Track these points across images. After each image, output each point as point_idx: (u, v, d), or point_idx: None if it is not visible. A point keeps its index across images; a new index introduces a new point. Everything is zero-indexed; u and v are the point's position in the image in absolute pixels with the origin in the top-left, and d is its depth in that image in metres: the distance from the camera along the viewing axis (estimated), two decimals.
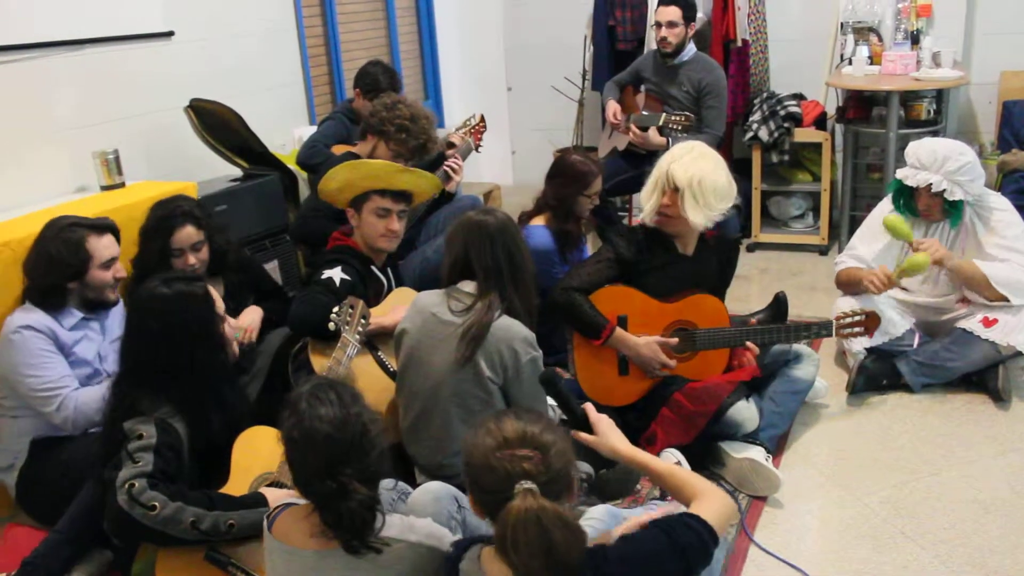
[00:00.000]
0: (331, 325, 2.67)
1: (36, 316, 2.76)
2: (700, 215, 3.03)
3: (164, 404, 2.30)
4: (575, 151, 3.77)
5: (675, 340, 3.11)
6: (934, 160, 3.38)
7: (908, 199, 3.57)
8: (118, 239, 2.91)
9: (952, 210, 3.45)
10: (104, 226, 2.87)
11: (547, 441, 1.69)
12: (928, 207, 3.49)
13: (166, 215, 3.04)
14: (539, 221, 3.65)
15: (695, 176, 3.01)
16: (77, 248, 2.77)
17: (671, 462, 2.73)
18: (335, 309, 2.69)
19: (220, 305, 2.48)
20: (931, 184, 3.38)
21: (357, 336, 2.69)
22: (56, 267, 2.76)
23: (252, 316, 3.15)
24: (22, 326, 2.73)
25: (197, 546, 2.20)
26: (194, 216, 3.07)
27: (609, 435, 2.07)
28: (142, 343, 2.35)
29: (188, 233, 3.05)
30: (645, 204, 3.15)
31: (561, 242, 3.58)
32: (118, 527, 2.17)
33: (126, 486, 2.12)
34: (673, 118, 4.47)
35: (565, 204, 3.56)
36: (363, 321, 2.74)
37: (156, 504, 2.10)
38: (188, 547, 2.19)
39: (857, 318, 3.20)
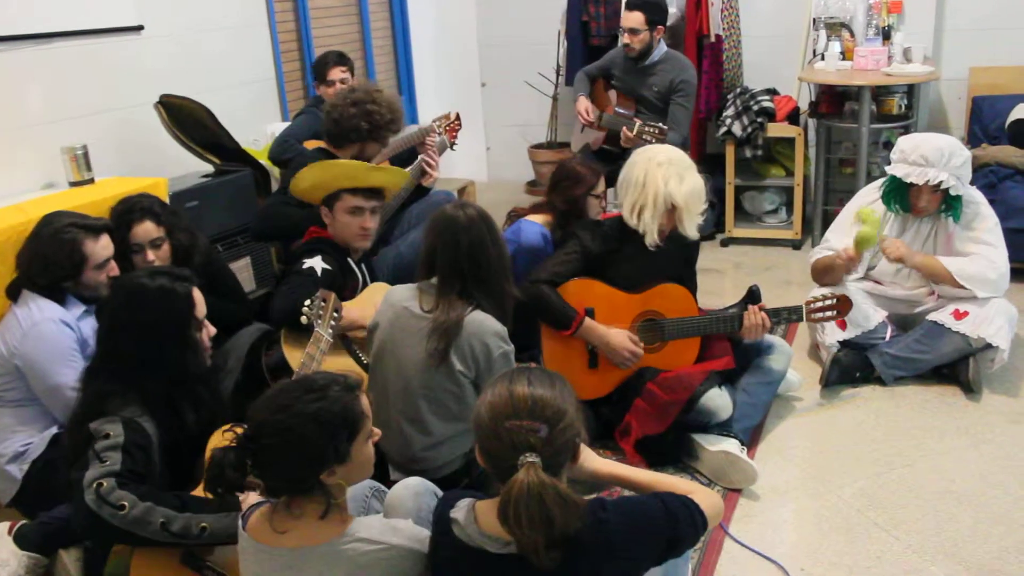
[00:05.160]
0: (303, 319, 2.65)
1: (60, 310, 2.75)
2: (695, 225, 3.15)
3: (132, 403, 2.25)
4: (573, 158, 3.76)
5: (640, 345, 3.12)
6: (940, 156, 3.36)
7: (901, 197, 3.54)
8: (113, 237, 2.89)
9: (955, 204, 3.44)
10: (100, 227, 2.84)
11: (556, 412, 1.70)
12: (929, 204, 3.47)
13: (125, 210, 3.02)
14: (537, 219, 3.60)
15: (691, 192, 3.06)
16: (72, 251, 2.75)
17: None
18: (307, 303, 2.66)
19: (201, 310, 2.41)
20: (940, 181, 3.36)
21: (330, 331, 2.66)
22: (51, 268, 2.75)
23: None
24: (56, 319, 2.72)
25: (173, 548, 2.16)
26: (153, 212, 3.04)
27: (586, 461, 2.00)
28: (116, 333, 2.31)
29: (146, 229, 3.02)
30: (647, 227, 3.09)
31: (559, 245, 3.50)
32: (86, 527, 2.12)
33: (94, 485, 2.07)
34: (647, 129, 4.38)
35: (576, 206, 3.53)
36: (335, 315, 2.71)
37: (125, 504, 2.06)
38: (164, 549, 2.15)
39: (828, 302, 3.20)
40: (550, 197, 3.62)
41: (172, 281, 2.35)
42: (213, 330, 2.50)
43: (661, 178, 3.06)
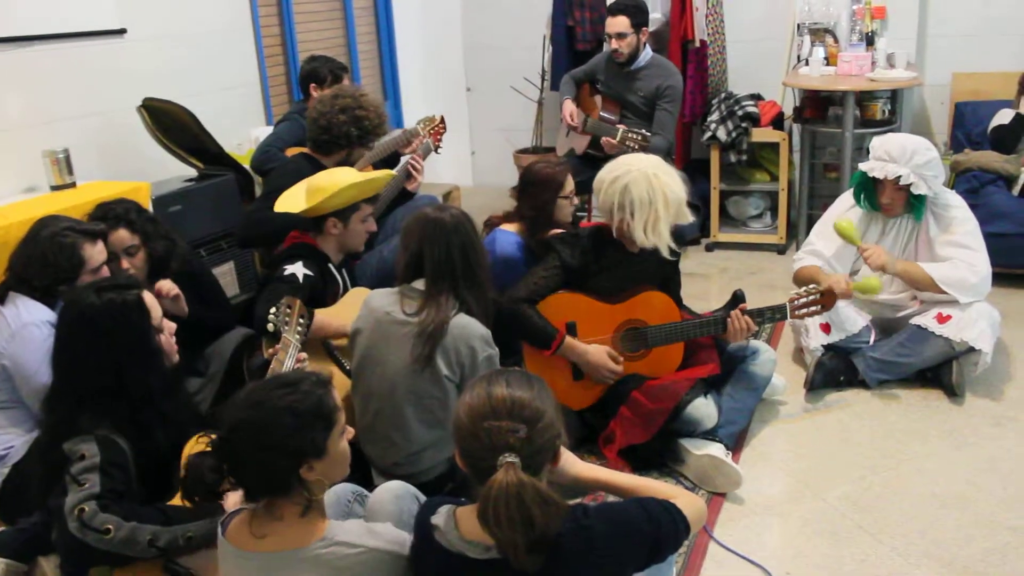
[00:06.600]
0: (270, 326, 2.63)
1: (49, 313, 2.73)
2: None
3: (101, 422, 2.19)
4: (538, 161, 3.64)
5: (620, 360, 3.11)
6: (903, 153, 3.40)
7: (870, 194, 3.58)
8: (107, 243, 2.88)
9: (917, 203, 3.48)
10: (97, 232, 2.82)
11: (535, 413, 1.70)
12: (892, 201, 3.51)
13: (99, 217, 2.98)
14: (511, 228, 3.53)
15: (682, 184, 3.04)
16: (71, 255, 2.73)
17: None
18: (272, 310, 2.64)
19: (157, 313, 2.35)
20: (899, 177, 3.40)
21: (297, 336, 2.65)
22: (51, 270, 2.73)
23: (165, 283, 3.05)
24: (43, 322, 2.70)
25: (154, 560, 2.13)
26: (128, 220, 3.01)
27: (567, 466, 1.98)
28: (73, 357, 2.24)
29: (120, 237, 2.99)
30: (663, 239, 3.02)
31: (532, 254, 3.42)
32: (71, 555, 2.08)
33: (75, 511, 2.02)
34: (630, 135, 4.36)
35: (545, 212, 3.43)
36: (301, 320, 2.69)
37: (110, 527, 2.02)
38: (144, 561, 2.12)
39: (812, 296, 3.16)
40: (518, 204, 3.53)
41: (121, 292, 2.27)
42: (173, 326, 2.45)
43: (665, 185, 2.98)
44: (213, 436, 1.82)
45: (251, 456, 1.77)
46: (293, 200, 3.16)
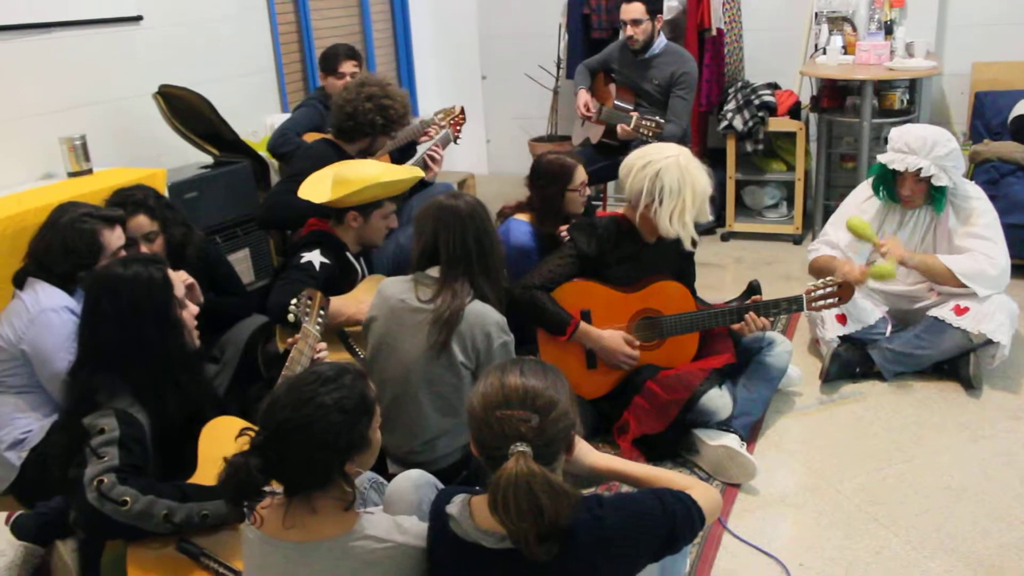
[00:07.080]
0: (290, 317, 2.64)
1: (67, 298, 2.75)
2: None
3: (122, 394, 2.25)
4: (549, 152, 3.61)
5: (636, 346, 3.10)
6: (923, 145, 3.37)
7: (889, 185, 3.56)
8: (124, 228, 2.90)
9: (938, 195, 3.45)
10: (115, 218, 2.85)
11: (548, 402, 1.69)
12: (912, 193, 3.48)
13: (118, 203, 3.01)
14: (524, 217, 3.54)
15: (706, 187, 3.04)
16: (90, 240, 2.76)
17: None
18: (293, 301, 2.66)
19: (180, 289, 2.43)
20: (920, 169, 3.37)
21: (317, 327, 2.66)
22: (69, 256, 2.75)
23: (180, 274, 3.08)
24: (62, 307, 2.72)
25: (169, 537, 2.15)
26: (147, 206, 3.04)
27: (582, 455, 1.99)
28: (97, 325, 2.31)
29: (139, 223, 3.02)
30: (688, 230, 3.02)
31: (545, 244, 3.45)
32: (88, 525, 2.12)
33: (95, 483, 2.07)
34: (644, 122, 4.34)
35: (553, 205, 3.45)
36: (322, 312, 2.71)
37: (128, 499, 2.06)
38: (160, 538, 2.15)
39: (830, 289, 3.12)
40: (529, 192, 3.55)
41: (146, 266, 2.36)
42: (196, 309, 2.50)
43: (695, 177, 2.97)
44: (254, 434, 1.80)
45: (300, 454, 1.76)
46: (317, 188, 3.16)
